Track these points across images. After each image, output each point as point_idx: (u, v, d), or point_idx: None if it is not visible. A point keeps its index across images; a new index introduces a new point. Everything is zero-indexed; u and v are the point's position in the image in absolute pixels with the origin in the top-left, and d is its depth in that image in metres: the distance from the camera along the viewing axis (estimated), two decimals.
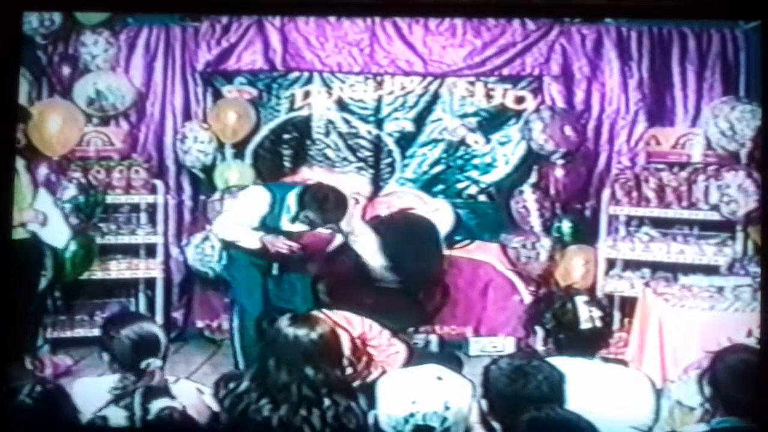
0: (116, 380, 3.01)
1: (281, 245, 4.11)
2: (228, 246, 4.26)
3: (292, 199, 4.13)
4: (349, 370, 3.34)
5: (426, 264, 4.38)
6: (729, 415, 2.94)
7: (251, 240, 4.15)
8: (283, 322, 3.16)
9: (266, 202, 4.15)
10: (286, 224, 4.14)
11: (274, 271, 4.15)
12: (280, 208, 4.14)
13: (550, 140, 4.50)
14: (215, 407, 3.11)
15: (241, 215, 4.20)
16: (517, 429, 2.60)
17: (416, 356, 3.76)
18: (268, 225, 4.14)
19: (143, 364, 3.00)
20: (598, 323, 3.34)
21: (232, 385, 3.08)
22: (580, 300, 3.39)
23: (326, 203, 4.10)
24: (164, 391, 2.93)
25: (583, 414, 2.64)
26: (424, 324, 4.37)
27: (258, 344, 3.86)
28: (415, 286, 4.31)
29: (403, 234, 4.40)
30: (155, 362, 3.02)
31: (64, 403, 2.95)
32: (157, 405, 2.88)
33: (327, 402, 3.01)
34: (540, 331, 3.39)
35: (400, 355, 3.72)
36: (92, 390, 3.02)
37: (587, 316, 3.32)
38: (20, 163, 4.14)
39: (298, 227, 4.15)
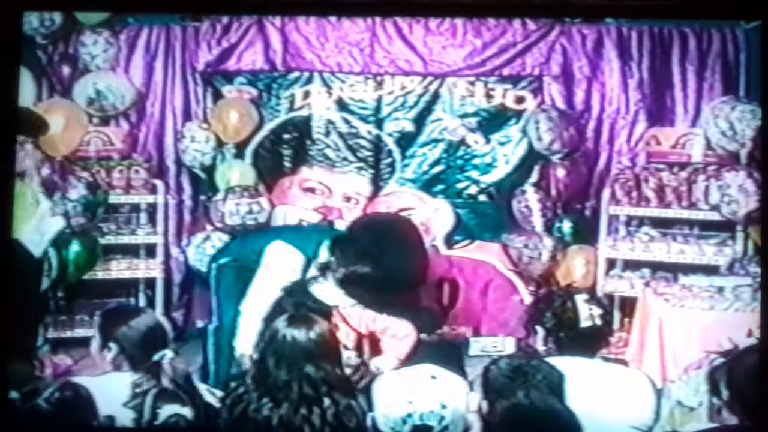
0: (136, 377, 2.99)
1: None
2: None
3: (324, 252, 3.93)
4: (355, 362, 3.36)
5: (414, 264, 4.35)
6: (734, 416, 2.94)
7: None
8: (281, 323, 3.17)
9: (299, 265, 4.02)
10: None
11: None
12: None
13: (556, 140, 4.50)
14: (217, 406, 3.12)
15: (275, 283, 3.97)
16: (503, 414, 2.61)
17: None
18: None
19: (157, 357, 2.98)
20: (598, 321, 3.34)
21: (232, 385, 3.09)
22: (580, 298, 3.39)
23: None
24: (176, 396, 2.91)
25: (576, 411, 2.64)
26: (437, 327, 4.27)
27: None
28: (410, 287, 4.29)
29: (385, 236, 4.35)
30: (168, 354, 2.99)
31: (81, 405, 2.93)
32: (166, 411, 2.86)
33: (327, 401, 3.02)
34: (540, 331, 3.39)
35: (410, 338, 3.74)
36: (108, 388, 3.01)
37: (587, 314, 3.32)
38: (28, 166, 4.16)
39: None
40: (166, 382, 2.95)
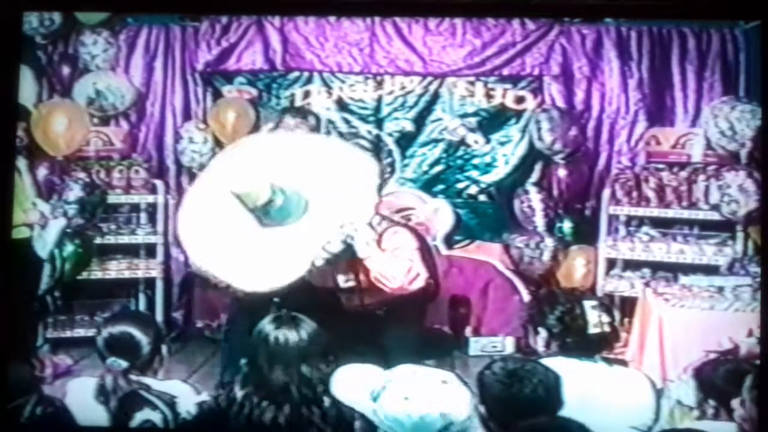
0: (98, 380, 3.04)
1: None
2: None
3: None
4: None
5: None
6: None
7: None
8: (268, 326, 3.12)
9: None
10: None
11: None
12: None
13: (558, 140, 4.50)
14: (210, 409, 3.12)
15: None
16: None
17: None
18: None
19: (108, 361, 3.02)
20: (607, 328, 3.32)
21: (226, 389, 3.06)
22: (588, 304, 3.37)
23: None
24: (146, 401, 2.92)
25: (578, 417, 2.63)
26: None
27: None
28: None
29: None
30: (118, 362, 3.01)
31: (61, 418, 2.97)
32: (139, 417, 2.88)
33: (327, 401, 3.00)
34: (543, 333, 3.36)
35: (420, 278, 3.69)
36: (82, 391, 3.04)
37: (596, 321, 3.30)
38: (23, 163, 4.14)
39: None
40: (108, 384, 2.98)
